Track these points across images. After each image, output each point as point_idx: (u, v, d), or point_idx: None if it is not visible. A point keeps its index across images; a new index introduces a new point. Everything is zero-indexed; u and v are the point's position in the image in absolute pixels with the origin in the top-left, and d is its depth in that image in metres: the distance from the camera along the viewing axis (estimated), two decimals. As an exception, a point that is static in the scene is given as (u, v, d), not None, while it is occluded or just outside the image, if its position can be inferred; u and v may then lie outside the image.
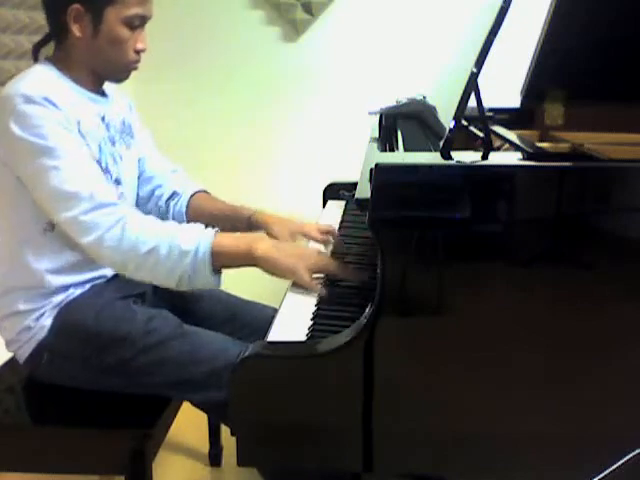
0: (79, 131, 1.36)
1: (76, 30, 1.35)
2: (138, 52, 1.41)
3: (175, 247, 1.25)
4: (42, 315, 1.40)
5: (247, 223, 1.60)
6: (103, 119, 1.46)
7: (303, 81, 2.52)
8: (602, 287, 1.08)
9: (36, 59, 1.45)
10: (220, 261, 1.28)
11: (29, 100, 1.27)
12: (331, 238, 1.58)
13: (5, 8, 1.99)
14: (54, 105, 1.29)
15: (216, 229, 1.31)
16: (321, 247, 1.55)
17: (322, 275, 1.36)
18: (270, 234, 1.54)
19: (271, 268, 1.29)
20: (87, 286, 1.46)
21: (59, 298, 1.41)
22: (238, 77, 2.54)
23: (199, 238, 1.27)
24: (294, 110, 2.55)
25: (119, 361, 1.37)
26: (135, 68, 1.44)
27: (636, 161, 1.13)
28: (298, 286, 1.34)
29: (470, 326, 1.08)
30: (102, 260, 1.32)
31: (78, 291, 1.44)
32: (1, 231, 1.42)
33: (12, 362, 1.58)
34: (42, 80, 1.35)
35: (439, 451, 1.13)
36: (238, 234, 1.37)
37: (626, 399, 1.10)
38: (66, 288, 1.42)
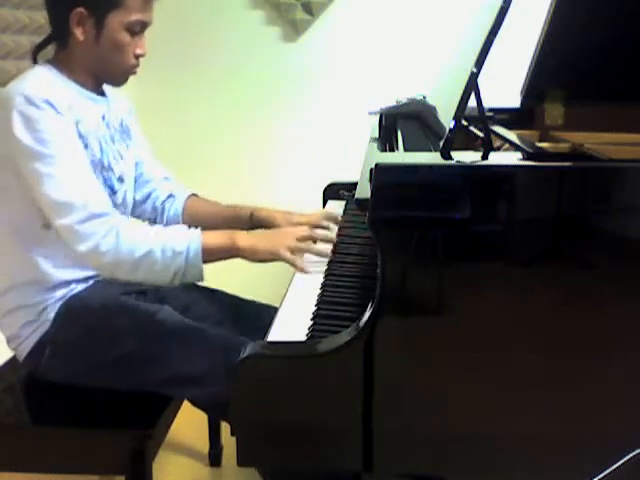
0: (79, 133, 1.38)
1: (79, 34, 1.38)
2: (137, 57, 1.44)
3: (168, 249, 1.32)
4: (45, 309, 1.43)
5: (249, 222, 1.64)
6: (103, 118, 1.49)
7: (303, 81, 2.52)
8: (602, 287, 1.08)
9: (35, 60, 1.47)
10: (208, 256, 1.36)
11: (30, 102, 1.30)
12: (332, 225, 1.60)
13: (5, 8, 1.99)
14: (54, 109, 1.32)
15: (199, 228, 1.40)
16: (328, 233, 1.55)
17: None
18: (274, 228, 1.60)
19: (253, 255, 1.39)
20: (90, 281, 1.49)
21: (62, 292, 1.44)
22: (238, 77, 2.54)
23: (189, 238, 1.35)
24: (294, 110, 2.55)
25: (121, 354, 1.39)
26: (134, 73, 1.47)
27: (636, 161, 1.13)
28: (298, 285, 1.36)
29: (470, 326, 1.08)
30: (97, 266, 1.37)
31: (81, 286, 1.47)
32: (3, 227, 1.44)
33: (12, 362, 1.58)
34: (43, 82, 1.37)
35: (439, 451, 1.13)
36: (220, 231, 1.46)
37: (626, 399, 1.10)
38: (68, 283, 1.45)
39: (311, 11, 2.43)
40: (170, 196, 1.70)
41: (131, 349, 1.39)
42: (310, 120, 2.54)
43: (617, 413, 1.11)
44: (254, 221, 1.64)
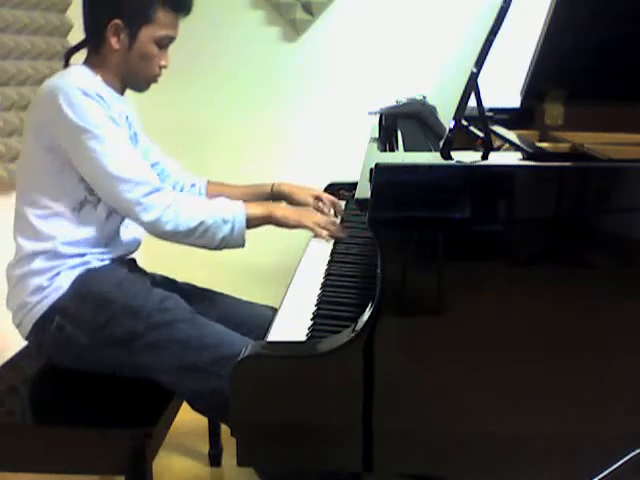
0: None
1: (114, 42, 1.51)
2: (161, 68, 1.57)
3: (218, 217, 1.49)
4: (57, 275, 1.47)
5: (270, 195, 1.84)
6: (127, 118, 1.58)
7: (303, 81, 2.52)
8: (602, 287, 1.08)
9: (67, 63, 1.59)
10: (250, 223, 1.55)
11: (86, 94, 1.42)
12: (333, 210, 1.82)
13: (5, 8, 1.99)
14: (105, 102, 1.45)
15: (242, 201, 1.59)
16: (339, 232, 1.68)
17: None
18: (294, 201, 1.83)
19: (285, 221, 1.61)
20: (106, 260, 1.54)
21: (75, 261, 1.49)
22: (238, 77, 2.54)
23: (235, 208, 1.53)
24: (294, 110, 2.55)
25: (128, 333, 1.43)
26: (156, 81, 1.60)
27: (636, 161, 1.13)
28: (298, 285, 1.38)
29: (470, 326, 1.08)
30: (158, 233, 1.49)
31: (95, 262, 1.52)
32: (31, 205, 1.49)
33: (12, 362, 1.58)
34: (89, 79, 1.49)
35: (439, 451, 1.13)
36: (258, 202, 1.70)
37: (626, 399, 1.10)
38: (82, 255, 1.50)
39: (311, 11, 2.43)
40: (192, 185, 1.83)
41: (138, 328, 1.43)
42: (310, 120, 2.54)
43: (617, 413, 1.11)
44: (275, 193, 1.83)
